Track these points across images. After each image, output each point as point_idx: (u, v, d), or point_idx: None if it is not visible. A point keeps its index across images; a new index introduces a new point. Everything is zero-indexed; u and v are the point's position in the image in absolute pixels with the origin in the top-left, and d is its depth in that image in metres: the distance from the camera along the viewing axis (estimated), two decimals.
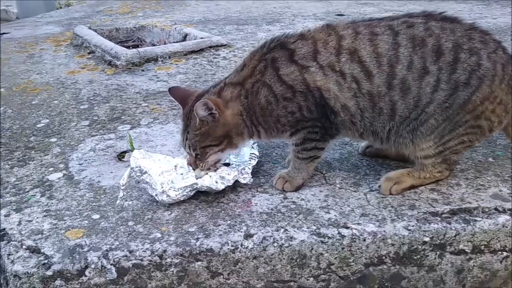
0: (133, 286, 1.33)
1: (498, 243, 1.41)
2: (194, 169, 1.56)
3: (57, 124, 2.14)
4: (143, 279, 1.33)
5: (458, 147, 1.48)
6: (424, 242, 1.39)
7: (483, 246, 1.41)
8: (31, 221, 1.48)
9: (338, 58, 1.45)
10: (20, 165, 1.82)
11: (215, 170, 1.56)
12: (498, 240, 1.41)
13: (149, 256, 1.33)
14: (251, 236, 1.37)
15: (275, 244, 1.36)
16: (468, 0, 4.26)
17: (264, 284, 1.38)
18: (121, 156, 1.86)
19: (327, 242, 1.37)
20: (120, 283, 1.32)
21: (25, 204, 1.57)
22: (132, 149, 1.84)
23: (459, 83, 1.40)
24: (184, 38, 3.31)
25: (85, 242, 1.37)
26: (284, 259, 1.37)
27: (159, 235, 1.39)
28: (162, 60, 2.88)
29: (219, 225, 1.42)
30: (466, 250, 1.40)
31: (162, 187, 1.50)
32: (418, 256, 1.40)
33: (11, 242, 1.39)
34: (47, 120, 2.18)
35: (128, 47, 3.22)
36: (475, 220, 1.41)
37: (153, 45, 3.34)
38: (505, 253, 1.42)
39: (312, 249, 1.37)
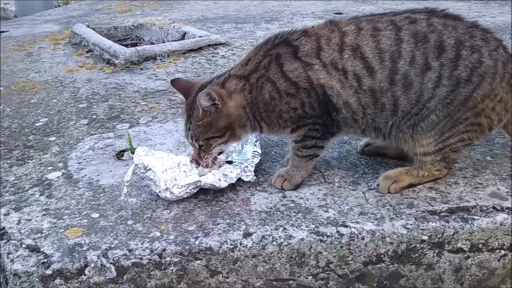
0: (133, 285, 1.33)
1: (496, 241, 1.41)
2: (197, 163, 1.57)
3: (56, 123, 2.14)
4: (142, 278, 1.34)
5: (457, 144, 1.49)
6: (423, 241, 1.39)
7: (481, 245, 1.41)
8: (31, 220, 1.48)
9: (341, 55, 1.45)
10: (19, 164, 1.82)
11: (218, 166, 1.57)
12: (496, 238, 1.41)
13: (148, 255, 1.33)
14: (250, 235, 1.38)
15: (274, 243, 1.37)
16: None
17: (263, 283, 1.38)
18: (120, 155, 1.86)
19: (325, 240, 1.37)
20: (119, 282, 1.33)
21: (24, 203, 1.57)
22: (131, 148, 1.84)
23: (460, 79, 1.41)
24: (183, 36, 3.30)
25: (85, 241, 1.37)
26: (283, 257, 1.37)
27: (158, 234, 1.39)
28: (160, 59, 2.88)
29: (218, 224, 1.42)
30: (464, 249, 1.41)
31: (165, 184, 1.51)
32: (417, 255, 1.40)
33: (11, 241, 1.39)
34: (46, 119, 2.18)
35: (126, 45, 3.22)
36: (473, 219, 1.41)
37: (152, 43, 3.34)
38: (503, 251, 1.42)
39: (311, 247, 1.37)
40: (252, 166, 1.61)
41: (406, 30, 1.43)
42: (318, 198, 1.53)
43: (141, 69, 2.77)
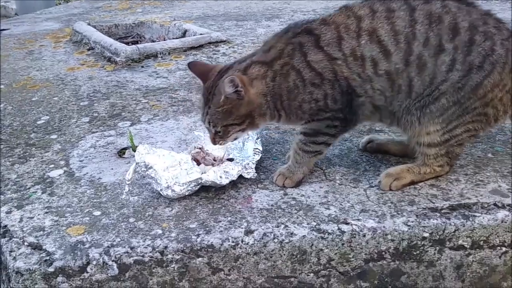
0: (135, 282, 1.34)
1: (497, 238, 1.42)
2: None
3: (57, 121, 2.14)
4: (144, 275, 1.34)
5: (463, 136, 1.48)
6: (424, 238, 1.39)
7: (482, 242, 1.41)
8: (33, 218, 1.49)
9: (358, 42, 1.44)
10: (21, 162, 1.82)
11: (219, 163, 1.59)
12: (497, 235, 1.41)
13: (150, 252, 1.34)
14: (251, 232, 1.38)
15: (276, 240, 1.37)
16: None
17: (265, 280, 1.39)
18: (121, 152, 1.87)
19: (327, 238, 1.38)
20: (121, 279, 1.33)
21: (26, 201, 1.58)
22: (133, 146, 1.84)
23: (473, 65, 1.40)
24: (184, 34, 3.30)
25: (87, 238, 1.38)
26: (284, 255, 1.38)
27: (160, 231, 1.39)
28: (161, 57, 2.88)
29: (220, 221, 1.43)
30: (465, 246, 1.41)
31: (167, 182, 1.51)
32: (418, 252, 1.40)
33: (13, 239, 1.40)
34: (47, 117, 2.19)
35: (127, 43, 3.22)
36: (474, 216, 1.42)
37: (153, 41, 3.34)
38: (504, 249, 1.43)
39: (312, 245, 1.38)
40: (253, 163, 1.62)
41: (420, 10, 1.42)
42: (319, 196, 1.53)
43: (142, 66, 2.77)
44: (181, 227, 1.41)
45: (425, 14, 1.42)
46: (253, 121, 1.52)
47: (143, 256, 1.33)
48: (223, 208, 1.49)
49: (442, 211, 1.43)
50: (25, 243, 1.38)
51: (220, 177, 1.55)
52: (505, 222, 1.41)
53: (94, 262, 1.32)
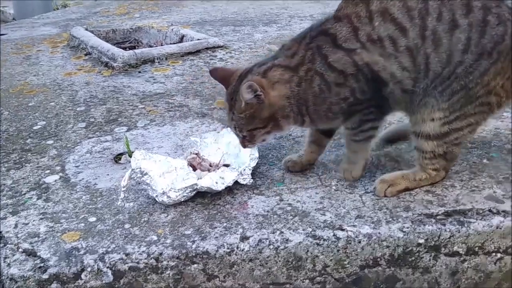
0: None
1: (492, 244, 1.42)
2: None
3: (54, 126, 2.14)
4: (139, 282, 1.34)
5: (464, 131, 1.48)
6: (419, 244, 1.39)
7: (477, 248, 1.41)
8: (28, 224, 1.48)
9: (372, 25, 1.44)
10: (16, 168, 1.82)
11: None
12: (492, 241, 1.42)
13: (145, 259, 1.33)
14: (247, 238, 1.38)
15: (271, 247, 1.37)
16: None
17: (260, 287, 1.39)
18: (117, 158, 1.86)
19: (322, 244, 1.38)
20: (116, 286, 1.33)
21: (21, 207, 1.57)
22: (129, 151, 1.84)
23: (485, 50, 1.41)
24: (181, 39, 3.31)
25: (82, 245, 1.38)
26: (279, 261, 1.38)
27: (155, 237, 1.39)
28: (159, 62, 2.89)
29: (215, 227, 1.42)
30: (461, 252, 1.41)
31: (162, 188, 1.51)
32: (413, 258, 1.40)
33: (8, 245, 1.39)
34: (44, 122, 2.19)
35: (124, 48, 3.22)
36: (470, 222, 1.42)
37: (150, 46, 3.34)
38: (499, 255, 1.43)
39: (308, 251, 1.38)
40: (249, 169, 1.62)
41: None
42: (315, 201, 1.53)
43: (139, 72, 2.77)
44: (177, 233, 1.40)
45: None
46: (277, 123, 1.53)
47: (138, 262, 1.33)
48: (219, 214, 1.49)
49: (438, 217, 1.44)
50: (20, 250, 1.37)
51: (216, 183, 1.55)
52: (500, 228, 1.41)
53: (89, 269, 1.31)
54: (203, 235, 1.39)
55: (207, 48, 3.05)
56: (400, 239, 1.39)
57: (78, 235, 1.42)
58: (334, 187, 1.60)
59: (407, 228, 1.40)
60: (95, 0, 5.53)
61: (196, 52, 3.01)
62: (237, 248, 1.36)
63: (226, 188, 1.56)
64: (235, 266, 1.37)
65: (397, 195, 1.53)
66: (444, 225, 1.41)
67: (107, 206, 1.55)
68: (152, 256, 1.34)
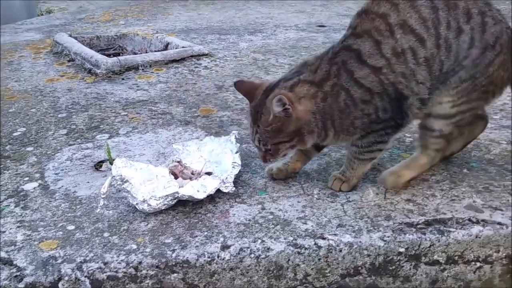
0: None
1: (472, 253, 1.43)
2: (264, 162, 1.61)
3: (34, 133, 2.11)
4: None
5: (466, 114, 1.56)
6: (400, 253, 1.40)
7: (457, 257, 1.42)
8: (4, 232, 1.45)
9: (395, 38, 1.48)
10: None
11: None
12: (472, 250, 1.43)
13: (124, 268, 1.31)
14: (228, 247, 1.37)
15: (252, 255, 1.36)
16: None
17: None
18: (98, 165, 1.84)
19: (303, 253, 1.37)
20: None
21: None
22: (110, 159, 1.82)
23: (488, 43, 1.50)
24: (166, 47, 3.30)
25: (59, 253, 1.35)
26: (260, 270, 1.37)
27: (134, 246, 1.37)
28: (143, 69, 2.87)
29: (196, 236, 1.41)
30: (440, 261, 1.42)
31: (143, 196, 1.49)
32: (394, 267, 1.41)
33: None
34: (24, 129, 2.15)
35: (109, 55, 3.20)
36: (449, 231, 1.43)
37: (135, 53, 3.32)
38: (478, 264, 1.44)
39: (289, 260, 1.37)
40: (231, 177, 1.61)
41: None
42: (297, 210, 1.53)
43: (123, 79, 2.76)
44: (157, 242, 1.39)
45: (443, 1, 1.49)
46: (302, 138, 1.54)
47: (116, 271, 1.31)
48: (200, 222, 1.48)
49: (418, 226, 1.44)
50: None
51: (198, 191, 1.54)
52: (479, 238, 1.43)
53: (66, 278, 1.29)
54: (183, 244, 1.38)
55: (192, 56, 3.05)
56: (381, 248, 1.39)
57: (56, 243, 1.39)
58: (316, 196, 1.60)
59: (388, 237, 1.41)
60: (80, 7, 5.49)
61: (181, 59, 3.01)
62: (218, 257, 1.35)
63: (208, 196, 1.55)
64: (215, 275, 1.35)
65: (405, 186, 1.59)
66: (424, 234, 1.42)
67: (86, 214, 1.53)
68: (131, 265, 1.32)
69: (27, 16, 5.31)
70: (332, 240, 1.39)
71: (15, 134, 2.11)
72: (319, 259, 1.38)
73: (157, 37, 3.43)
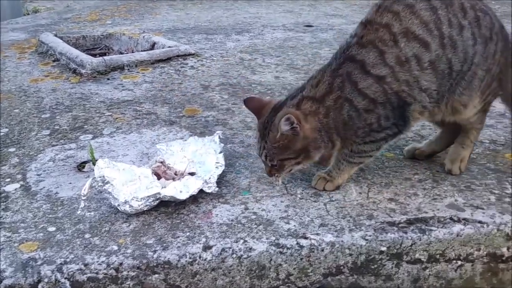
0: None
1: (453, 252, 1.44)
2: (270, 176, 1.60)
3: (17, 134, 2.09)
4: None
5: (490, 98, 1.67)
6: (381, 252, 1.40)
7: (438, 255, 1.43)
8: None
9: (399, 47, 1.49)
10: None
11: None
12: (453, 249, 1.44)
13: (104, 269, 1.30)
14: (210, 247, 1.37)
15: (234, 256, 1.36)
16: None
17: None
18: (81, 166, 1.83)
19: (286, 252, 1.37)
20: None
21: None
22: (93, 160, 1.81)
23: (487, 37, 1.56)
24: (152, 46, 3.29)
25: (39, 255, 1.34)
26: (243, 270, 1.36)
27: (116, 247, 1.36)
28: (128, 69, 2.86)
29: (178, 237, 1.41)
30: (422, 259, 1.43)
31: (124, 197, 1.48)
32: (376, 266, 1.41)
33: None
34: (6, 129, 2.13)
35: (95, 55, 3.18)
36: (431, 230, 1.44)
37: (121, 53, 3.30)
38: (459, 262, 1.45)
39: (271, 260, 1.37)
40: (214, 178, 1.61)
41: None
42: (280, 210, 1.53)
43: (108, 79, 2.74)
44: (138, 243, 1.38)
45: (439, 0, 1.52)
46: (308, 154, 1.54)
47: (97, 273, 1.30)
48: (182, 223, 1.47)
49: (400, 225, 1.45)
50: None
51: (180, 191, 1.53)
52: (461, 236, 1.44)
53: (46, 280, 1.28)
54: (165, 244, 1.37)
55: (178, 56, 3.04)
56: (362, 247, 1.40)
57: (36, 245, 1.38)
58: (299, 196, 1.60)
59: (370, 236, 1.41)
60: (67, 6, 5.45)
61: (167, 59, 2.99)
62: (200, 257, 1.35)
63: (190, 197, 1.54)
64: (197, 276, 1.35)
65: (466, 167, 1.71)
66: (406, 233, 1.42)
67: (67, 216, 1.51)
68: (112, 266, 1.31)
69: (13, 15, 5.26)
70: (314, 239, 1.39)
71: None
72: (301, 259, 1.38)
73: (143, 36, 3.42)
